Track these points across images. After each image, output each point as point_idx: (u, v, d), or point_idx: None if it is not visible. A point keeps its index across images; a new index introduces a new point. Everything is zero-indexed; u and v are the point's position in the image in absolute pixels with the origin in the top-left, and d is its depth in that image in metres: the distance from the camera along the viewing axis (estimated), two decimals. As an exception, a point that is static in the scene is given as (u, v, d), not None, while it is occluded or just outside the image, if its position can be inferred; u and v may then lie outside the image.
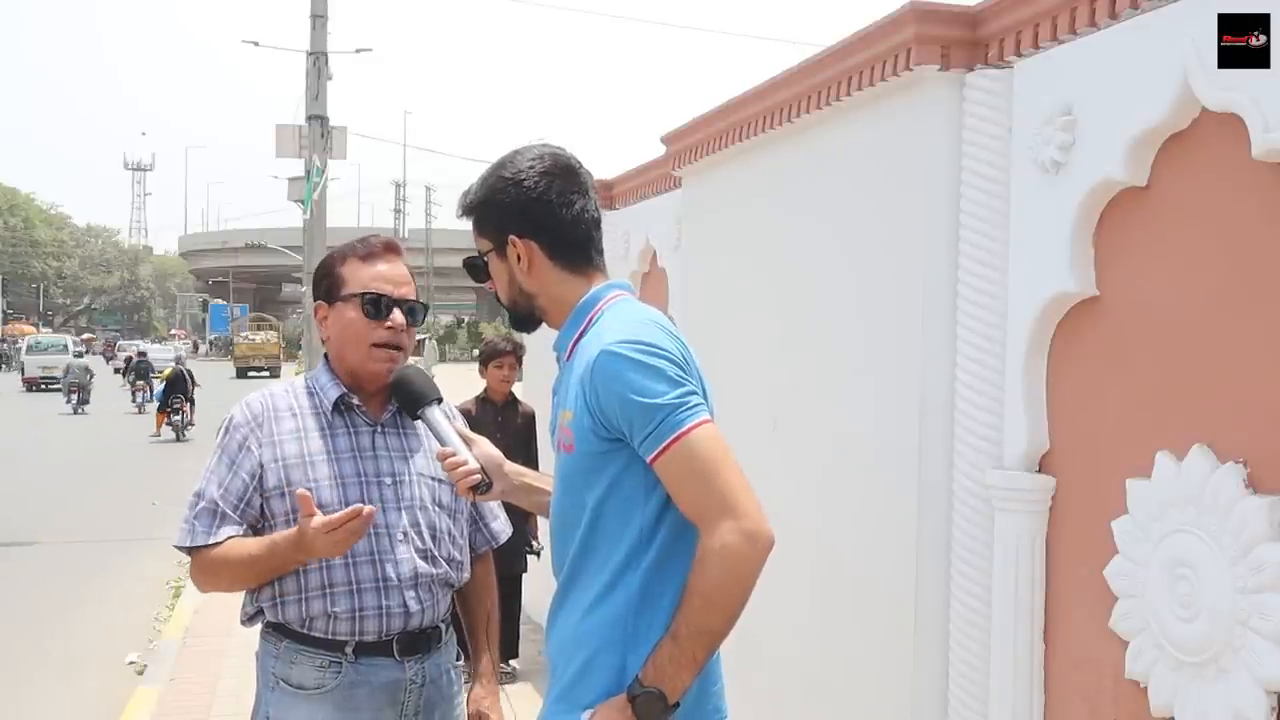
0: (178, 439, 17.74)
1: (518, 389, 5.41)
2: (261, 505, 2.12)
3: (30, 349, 34.27)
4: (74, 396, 23.67)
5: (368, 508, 1.95)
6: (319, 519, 1.94)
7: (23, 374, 33.08)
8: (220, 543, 2.08)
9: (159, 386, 19.67)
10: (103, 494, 12.12)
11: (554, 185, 1.81)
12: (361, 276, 2.18)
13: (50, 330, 53.99)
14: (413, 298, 2.21)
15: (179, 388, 18.41)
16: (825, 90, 3.14)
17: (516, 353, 5.27)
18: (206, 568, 2.12)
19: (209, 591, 2.20)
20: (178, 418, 18.09)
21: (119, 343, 49.65)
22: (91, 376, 24.80)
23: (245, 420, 2.17)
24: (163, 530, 9.83)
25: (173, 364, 21.16)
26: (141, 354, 25.90)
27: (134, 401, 23.41)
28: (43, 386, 31.24)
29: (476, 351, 6.68)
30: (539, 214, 1.80)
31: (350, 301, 2.17)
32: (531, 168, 1.82)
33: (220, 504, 2.10)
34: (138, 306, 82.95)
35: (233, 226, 74.47)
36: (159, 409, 18.73)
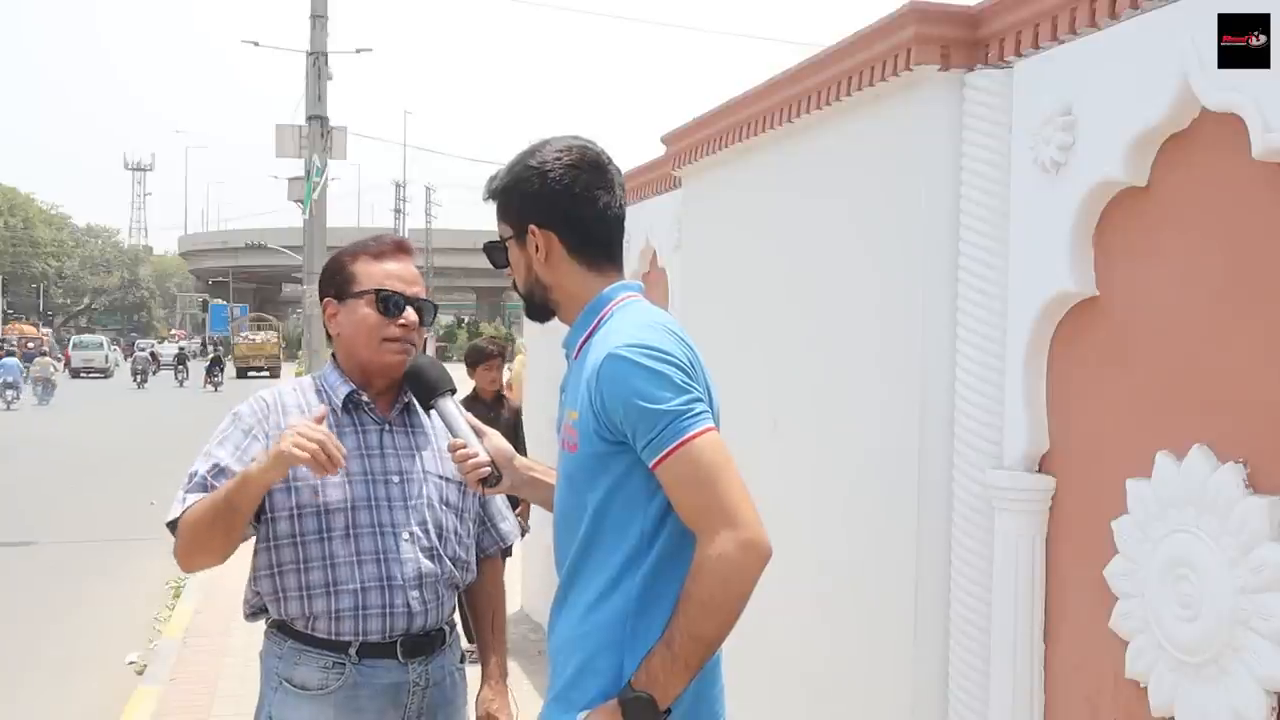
0: (215, 390, 31.93)
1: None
2: (267, 498, 2.10)
3: (75, 346, 45.16)
4: (138, 377, 35.05)
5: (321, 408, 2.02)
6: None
7: (69, 364, 42.18)
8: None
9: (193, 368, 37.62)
10: (103, 494, 12.12)
11: (580, 179, 1.80)
12: (374, 274, 2.18)
13: (50, 330, 56.39)
14: (424, 297, 2.22)
15: (217, 364, 34.26)
16: (825, 90, 3.14)
17: (501, 354, 5.74)
18: (181, 531, 2.07)
19: (189, 563, 2.13)
20: (216, 379, 33.47)
21: (138, 342, 60.50)
22: (154, 364, 38.81)
23: (253, 411, 2.17)
24: (163, 530, 9.82)
25: (212, 352, 38.44)
26: (181, 348, 41.92)
27: (175, 378, 37.56)
28: (82, 375, 41.18)
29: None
30: (561, 207, 1.79)
31: (363, 298, 2.17)
32: (559, 159, 1.80)
33: (212, 480, 2.08)
34: (138, 306, 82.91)
35: (233, 226, 74.60)
36: (206, 375, 34.09)
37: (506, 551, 2.46)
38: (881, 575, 2.90)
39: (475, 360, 5.65)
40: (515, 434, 5.55)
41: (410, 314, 2.17)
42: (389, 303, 2.15)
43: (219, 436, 2.15)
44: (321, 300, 2.26)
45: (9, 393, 24.86)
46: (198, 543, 2.06)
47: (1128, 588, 2.23)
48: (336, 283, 2.21)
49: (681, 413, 1.63)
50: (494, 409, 5.56)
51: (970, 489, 2.65)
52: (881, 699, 2.89)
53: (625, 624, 1.68)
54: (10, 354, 29.83)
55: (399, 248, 2.24)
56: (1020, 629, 2.52)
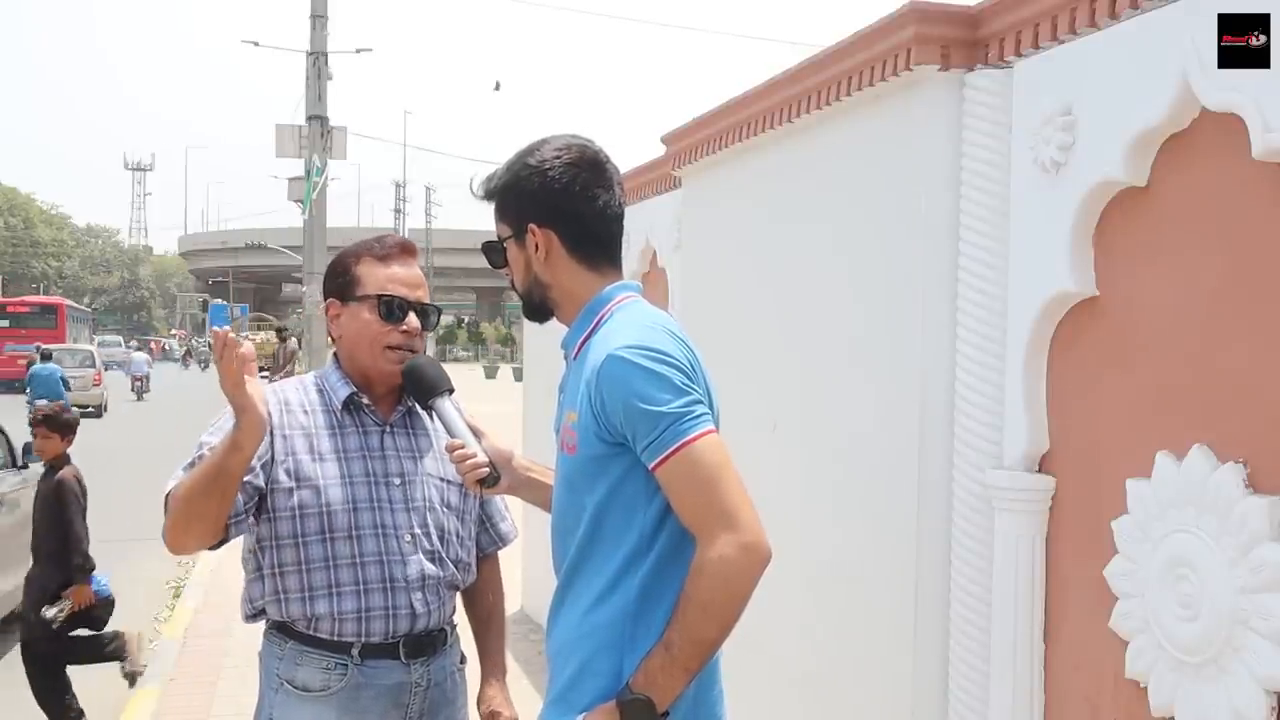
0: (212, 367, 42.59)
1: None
2: (268, 495, 2.08)
3: (100, 345, 52.40)
4: (202, 364, 48.04)
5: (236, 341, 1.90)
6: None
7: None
8: None
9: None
10: (102, 493, 12.09)
11: (579, 177, 1.79)
12: (378, 277, 2.16)
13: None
14: (427, 301, 2.20)
15: (209, 353, 41.38)
16: (825, 90, 3.14)
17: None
18: (173, 505, 2.00)
19: (178, 539, 2.04)
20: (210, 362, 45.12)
21: (164, 344, 68.42)
22: (203, 355, 49.83)
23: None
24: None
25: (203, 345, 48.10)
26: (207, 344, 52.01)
27: (200, 364, 50.04)
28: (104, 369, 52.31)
29: (477, 350, 6.85)
30: (561, 205, 1.79)
31: (365, 302, 2.15)
32: (558, 157, 1.80)
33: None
34: (138, 306, 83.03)
35: (233, 226, 74.77)
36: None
37: None
38: (881, 575, 2.89)
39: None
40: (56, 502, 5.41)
41: (413, 320, 2.15)
42: (390, 308, 2.14)
43: (217, 424, 2.11)
44: (325, 300, 2.25)
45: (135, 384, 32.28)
46: (191, 512, 1.97)
47: (1128, 588, 2.23)
48: (340, 284, 2.20)
49: (682, 415, 1.63)
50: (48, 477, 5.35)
51: (970, 489, 2.65)
52: (881, 699, 2.89)
53: (624, 625, 1.68)
54: (139, 349, 39.22)
55: (404, 250, 2.22)
56: (1020, 629, 2.52)
